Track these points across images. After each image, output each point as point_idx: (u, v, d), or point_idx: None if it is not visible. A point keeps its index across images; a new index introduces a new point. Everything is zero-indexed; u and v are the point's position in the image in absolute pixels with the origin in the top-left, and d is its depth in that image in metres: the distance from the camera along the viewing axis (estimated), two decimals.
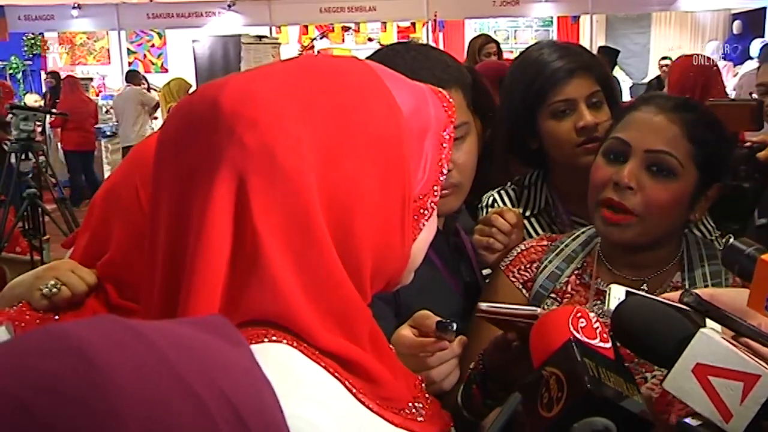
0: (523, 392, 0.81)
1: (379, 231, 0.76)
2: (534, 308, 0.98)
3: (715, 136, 1.31)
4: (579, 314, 0.84)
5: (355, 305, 0.76)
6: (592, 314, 0.86)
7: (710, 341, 0.78)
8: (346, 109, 0.74)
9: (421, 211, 0.81)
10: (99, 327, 0.47)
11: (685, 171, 1.27)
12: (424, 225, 0.81)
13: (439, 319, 1.05)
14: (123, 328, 0.47)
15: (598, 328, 0.84)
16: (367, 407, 0.75)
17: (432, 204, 0.81)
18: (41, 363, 0.44)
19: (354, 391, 0.74)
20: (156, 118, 9.84)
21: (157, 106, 9.69)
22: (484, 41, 5.43)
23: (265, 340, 0.71)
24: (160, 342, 0.47)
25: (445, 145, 0.82)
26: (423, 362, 1.04)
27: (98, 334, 0.46)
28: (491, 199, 1.82)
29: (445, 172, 0.82)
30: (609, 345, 0.84)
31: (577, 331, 0.82)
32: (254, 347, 0.68)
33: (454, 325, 1.03)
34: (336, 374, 0.74)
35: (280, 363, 0.70)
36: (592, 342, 0.82)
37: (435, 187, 0.81)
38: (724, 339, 0.78)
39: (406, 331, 1.08)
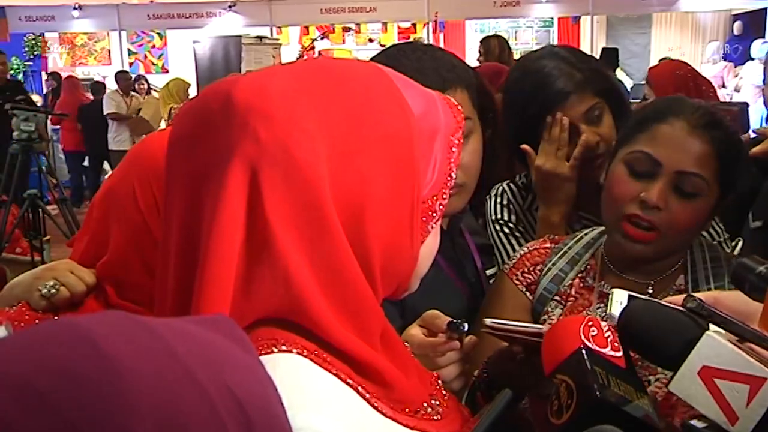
0: (533, 399, 0.81)
1: (389, 230, 0.76)
2: (539, 326, 0.98)
3: (737, 153, 1.30)
4: (590, 323, 0.85)
5: (368, 302, 0.76)
6: (603, 323, 0.87)
7: (716, 344, 0.77)
8: (358, 108, 0.75)
9: (430, 213, 0.81)
10: (109, 319, 0.48)
11: (710, 189, 1.26)
12: (432, 227, 0.82)
13: (450, 319, 1.05)
14: (131, 322, 0.48)
15: (609, 337, 0.85)
16: (381, 412, 0.75)
17: (440, 206, 0.82)
18: (54, 352, 0.44)
19: (367, 396, 0.74)
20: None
21: (112, 115, 9.10)
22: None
23: (275, 350, 0.71)
24: (168, 336, 0.48)
25: (454, 149, 0.83)
26: (433, 362, 1.04)
27: (108, 326, 0.47)
28: (500, 189, 1.82)
29: (453, 176, 0.83)
30: (620, 354, 0.85)
31: (588, 340, 0.83)
32: (263, 358, 0.68)
33: (466, 326, 1.03)
34: (348, 380, 0.73)
35: (289, 375, 0.69)
36: (603, 350, 0.83)
37: (443, 190, 0.82)
38: (730, 342, 0.78)
39: (415, 331, 1.08)
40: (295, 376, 0.70)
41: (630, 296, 0.97)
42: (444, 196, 0.82)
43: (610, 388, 0.77)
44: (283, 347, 0.71)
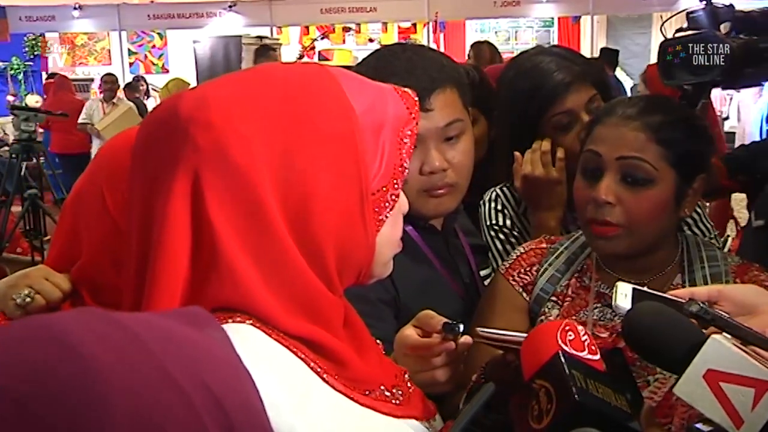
0: (514, 405, 0.82)
1: (339, 223, 0.79)
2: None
3: (685, 133, 1.30)
4: (567, 327, 0.86)
5: (318, 293, 0.79)
6: (580, 327, 0.88)
7: (721, 347, 0.77)
8: (297, 110, 0.78)
9: (382, 203, 0.84)
10: (82, 318, 0.48)
11: (661, 174, 1.26)
12: (386, 217, 0.85)
13: (445, 320, 1.05)
14: (106, 320, 0.48)
15: (586, 340, 0.86)
16: (331, 386, 0.79)
17: (392, 197, 0.85)
18: (27, 353, 0.44)
19: (319, 371, 0.78)
20: None
21: (80, 126, 8.22)
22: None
23: (229, 320, 0.75)
24: (143, 334, 0.48)
25: (406, 140, 0.86)
26: (427, 362, 1.04)
27: (82, 326, 0.46)
28: (494, 194, 1.82)
29: (406, 166, 0.86)
30: (597, 357, 0.86)
31: (566, 344, 0.84)
32: None
33: (461, 326, 1.03)
34: (302, 355, 0.77)
35: (238, 338, 0.72)
36: (580, 354, 0.84)
37: (395, 181, 0.85)
38: (735, 345, 0.78)
39: (409, 331, 1.08)
40: (244, 340, 0.74)
41: (634, 289, 0.97)
42: (396, 186, 0.85)
43: (589, 391, 0.78)
44: (238, 319, 0.76)
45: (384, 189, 0.84)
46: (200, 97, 0.79)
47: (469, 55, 5.62)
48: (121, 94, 9.24)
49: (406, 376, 0.94)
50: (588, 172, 1.32)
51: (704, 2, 1.86)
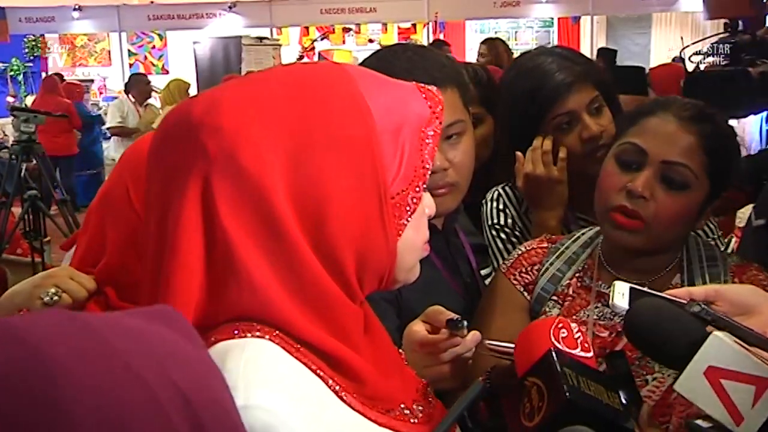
0: (506, 402, 0.82)
1: (357, 226, 0.77)
2: None
3: (727, 148, 1.30)
4: (560, 325, 0.86)
5: (336, 299, 0.77)
6: (573, 324, 0.88)
7: (722, 344, 0.77)
8: (309, 113, 0.76)
9: (402, 207, 0.81)
10: (46, 319, 0.48)
11: (699, 182, 1.26)
12: (407, 221, 0.82)
13: (450, 316, 1.05)
14: (70, 320, 0.48)
15: (579, 338, 0.86)
16: (349, 405, 0.77)
17: (414, 199, 0.82)
18: None
19: (337, 389, 0.77)
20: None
21: (114, 129, 8.10)
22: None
23: (248, 335, 0.74)
24: (108, 333, 0.47)
25: (428, 141, 0.83)
26: (435, 358, 1.05)
27: (46, 327, 0.46)
28: (496, 193, 1.82)
29: (428, 167, 0.83)
30: (590, 354, 0.86)
31: (558, 342, 0.84)
32: (236, 341, 0.73)
33: (465, 323, 1.04)
34: (319, 372, 0.76)
35: (255, 356, 0.72)
36: (573, 352, 0.84)
37: (417, 183, 0.82)
38: (737, 342, 0.78)
39: (418, 327, 1.09)
40: (260, 357, 0.73)
41: (632, 288, 0.97)
42: (417, 189, 0.82)
43: (581, 389, 0.78)
44: (257, 333, 0.74)
45: (404, 192, 0.81)
46: (213, 100, 0.78)
47: (481, 51, 5.49)
48: (122, 96, 9.13)
49: (428, 390, 0.93)
50: (626, 161, 1.30)
51: (728, 32, 1.87)
